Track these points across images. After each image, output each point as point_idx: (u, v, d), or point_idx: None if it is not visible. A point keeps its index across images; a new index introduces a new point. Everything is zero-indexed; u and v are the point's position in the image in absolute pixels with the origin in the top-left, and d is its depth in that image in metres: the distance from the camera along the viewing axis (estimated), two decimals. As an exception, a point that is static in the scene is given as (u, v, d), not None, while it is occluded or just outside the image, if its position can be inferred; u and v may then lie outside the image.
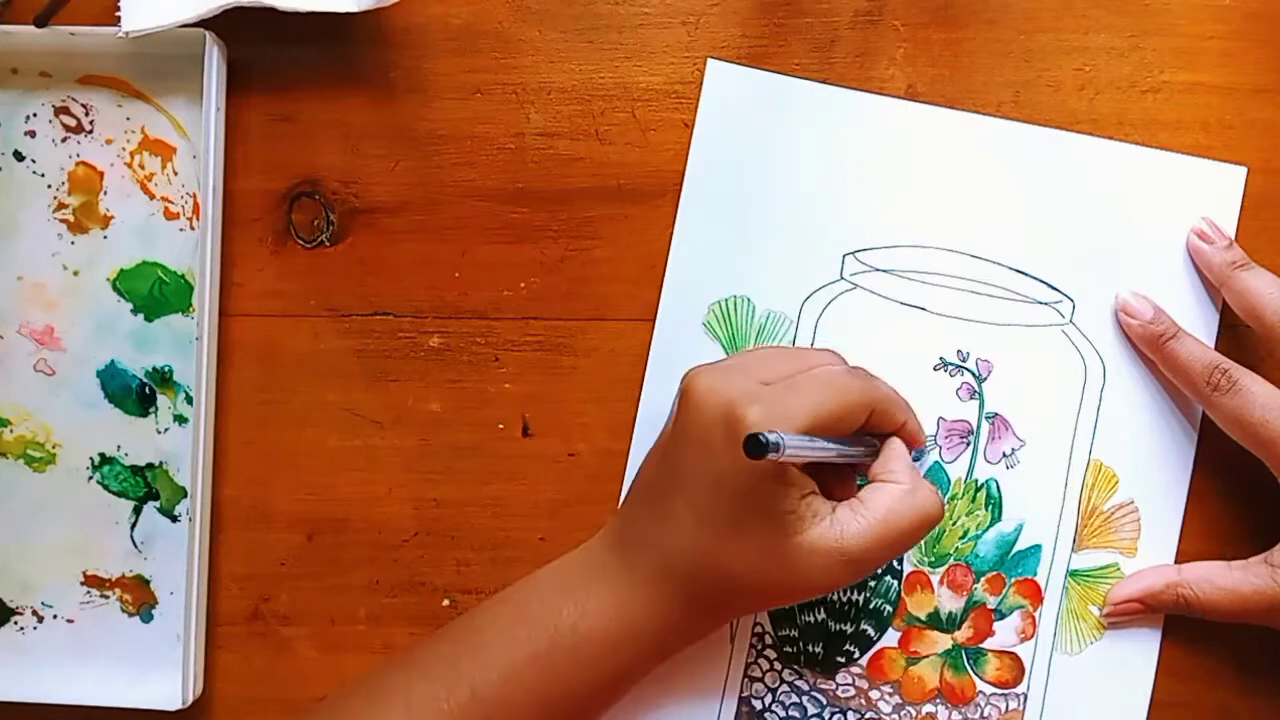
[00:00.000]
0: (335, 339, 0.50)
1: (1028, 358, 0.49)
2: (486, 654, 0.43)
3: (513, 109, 0.50)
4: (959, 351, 0.49)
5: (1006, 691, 0.49)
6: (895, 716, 0.49)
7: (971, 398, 0.49)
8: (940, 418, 0.49)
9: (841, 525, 0.41)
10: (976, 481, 0.49)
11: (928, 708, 0.49)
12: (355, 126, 0.50)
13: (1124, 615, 0.48)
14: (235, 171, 0.50)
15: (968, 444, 0.49)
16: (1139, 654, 0.48)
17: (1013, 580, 0.49)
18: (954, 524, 0.49)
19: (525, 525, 0.50)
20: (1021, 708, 0.49)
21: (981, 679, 0.49)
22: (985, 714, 0.49)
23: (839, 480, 0.45)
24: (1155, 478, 0.48)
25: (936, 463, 0.49)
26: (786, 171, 0.49)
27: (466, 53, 0.50)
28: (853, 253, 0.49)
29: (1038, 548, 0.49)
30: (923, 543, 0.48)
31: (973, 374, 0.49)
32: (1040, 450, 0.49)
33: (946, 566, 0.49)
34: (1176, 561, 0.48)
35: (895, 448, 0.44)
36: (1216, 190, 0.48)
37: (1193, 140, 0.48)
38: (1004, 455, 0.49)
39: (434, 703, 0.42)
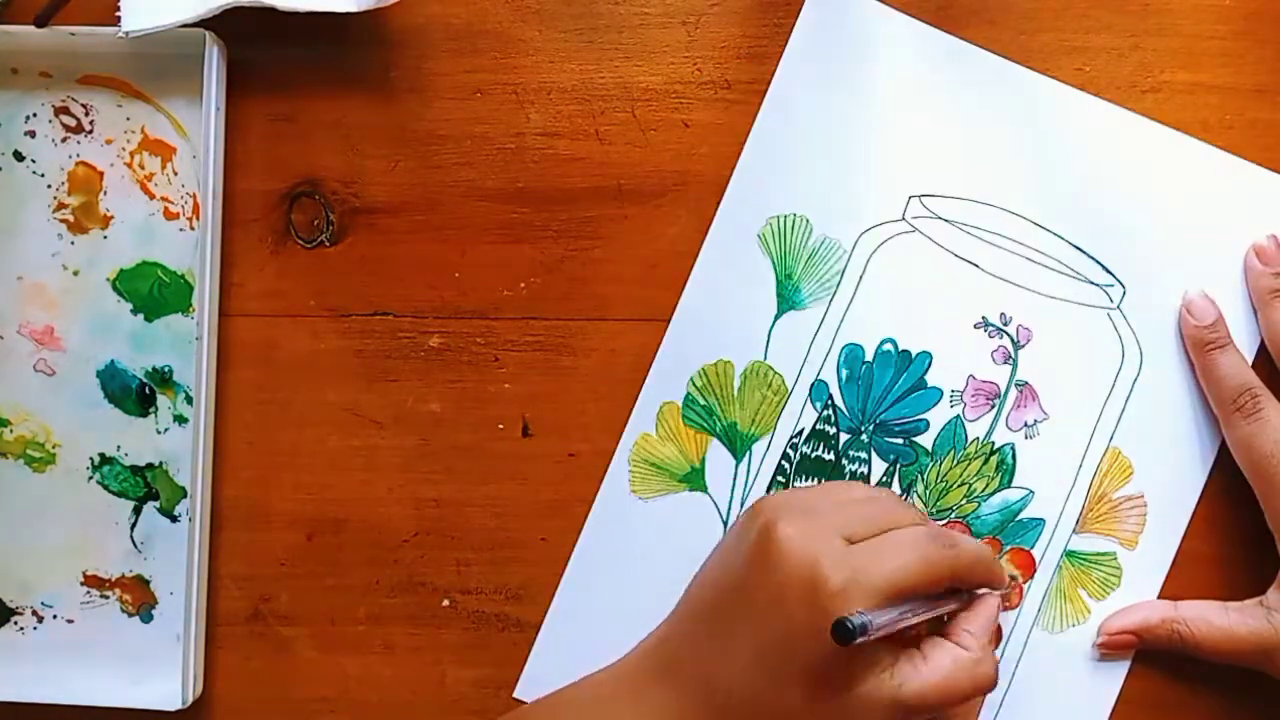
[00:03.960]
0: (335, 339, 0.50)
1: (1068, 334, 0.48)
2: None
3: (513, 109, 0.50)
4: (1002, 314, 0.48)
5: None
6: None
7: (1005, 362, 0.49)
8: (971, 375, 0.48)
9: (901, 678, 0.41)
10: (993, 444, 0.49)
11: None
12: (355, 126, 0.50)
13: (1117, 647, 0.47)
14: (235, 171, 0.50)
15: (992, 406, 0.49)
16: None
17: (1009, 548, 0.49)
18: (962, 481, 0.49)
19: (525, 525, 0.50)
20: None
21: None
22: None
23: None
24: (1169, 477, 0.48)
25: (957, 417, 0.48)
26: (871, 101, 0.49)
27: (466, 53, 0.50)
28: (918, 196, 0.49)
29: (1040, 521, 0.49)
30: (926, 492, 0.48)
31: (1011, 339, 0.48)
32: (1062, 427, 0.48)
33: (946, 521, 0.49)
34: (1173, 562, 0.48)
35: (980, 610, 0.44)
36: None
37: (1193, 140, 0.49)
38: (1025, 425, 0.49)
39: None
